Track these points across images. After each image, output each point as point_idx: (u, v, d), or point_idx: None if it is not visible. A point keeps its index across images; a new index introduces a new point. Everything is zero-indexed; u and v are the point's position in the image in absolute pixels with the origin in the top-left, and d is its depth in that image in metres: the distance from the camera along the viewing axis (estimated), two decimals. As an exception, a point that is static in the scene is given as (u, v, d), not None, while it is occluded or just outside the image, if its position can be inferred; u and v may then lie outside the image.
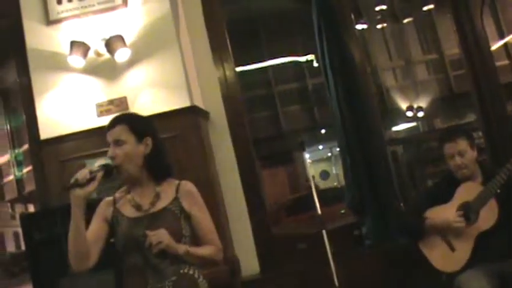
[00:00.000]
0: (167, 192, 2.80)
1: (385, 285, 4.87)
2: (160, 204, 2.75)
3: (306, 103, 20.16)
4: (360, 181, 4.97)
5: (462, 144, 3.87)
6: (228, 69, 5.46)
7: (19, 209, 34.24)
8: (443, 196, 3.91)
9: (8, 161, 26.07)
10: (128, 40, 4.86)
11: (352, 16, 5.78)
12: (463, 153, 3.86)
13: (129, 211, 2.76)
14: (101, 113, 4.82)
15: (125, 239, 2.70)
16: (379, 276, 4.90)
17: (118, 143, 2.72)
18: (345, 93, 5.02)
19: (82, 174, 2.57)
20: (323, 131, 20.34)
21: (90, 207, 2.76)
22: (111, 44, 4.79)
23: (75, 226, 2.58)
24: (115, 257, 2.74)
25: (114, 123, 2.79)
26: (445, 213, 3.83)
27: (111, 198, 2.85)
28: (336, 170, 22.94)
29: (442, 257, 3.84)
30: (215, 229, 2.89)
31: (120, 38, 4.79)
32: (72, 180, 2.56)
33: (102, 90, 4.91)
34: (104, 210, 2.82)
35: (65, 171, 4.74)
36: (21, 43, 5.05)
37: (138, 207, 2.75)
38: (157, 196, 2.77)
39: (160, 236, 2.59)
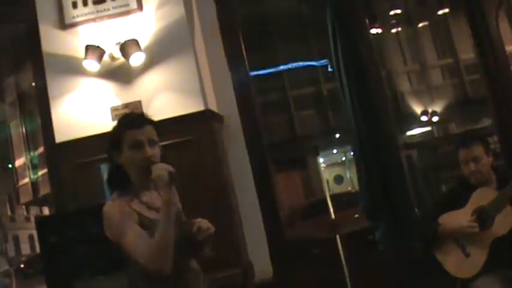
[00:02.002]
0: None
1: (399, 291, 4.86)
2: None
3: (320, 107, 20.16)
4: (374, 186, 4.95)
5: (477, 150, 3.83)
6: (243, 73, 5.46)
7: (34, 211, 34.47)
8: (457, 201, 3.87)
9: (24, 164, 26.25)
10: (143, 44, 4.88)
11: (367, 20, 5.76)
12: (478, 159, 3.81)
13: (149, 213, 2.61)
14: (115, 117, 4.82)
15: None
16: (393, 282, 4.88)
17: (152, 142, 2.62)
18: (359, 97, 5.00)
19: (168, 168, 2.48)
20: (337, 135, 20.30)
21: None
22: (126, 48, 4.81)
23: (172, 225, 2.47)
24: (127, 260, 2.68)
25: (143, 121, 2.67)
26: (460, 218, 3.79)
27: (123, 201, 2.62)
28: (350, 175, 22.91)
29: (457, 263, 3.80)
30: None
31: (135, 42, 4.81)
32: (169, 175, 2.45)
33: (116, 94, 4.94)
34: (132, 212, 2.60)
35: (79, 174, 4.76)
36: (37, 47, 5.08)
37: (157, 209, 2.60)
38: None
39: (208, 223, 2.56)
